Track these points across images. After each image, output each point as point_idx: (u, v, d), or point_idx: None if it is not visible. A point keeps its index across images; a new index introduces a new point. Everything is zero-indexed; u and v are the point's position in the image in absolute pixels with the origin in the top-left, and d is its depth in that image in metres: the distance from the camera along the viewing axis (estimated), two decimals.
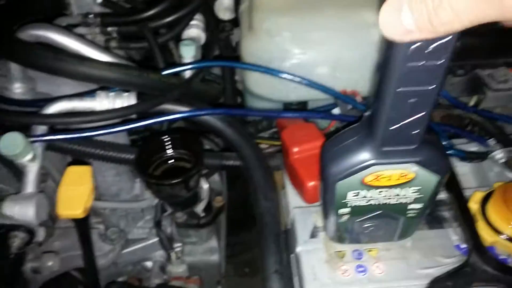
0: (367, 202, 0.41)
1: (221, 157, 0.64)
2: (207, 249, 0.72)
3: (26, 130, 0.57)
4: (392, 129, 0.34)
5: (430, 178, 0.39)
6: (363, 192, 0.40)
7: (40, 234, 0.55)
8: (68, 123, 0.54)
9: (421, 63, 0.29)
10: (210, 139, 0.74)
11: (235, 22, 0.87)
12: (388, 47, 0.29)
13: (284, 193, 0.60)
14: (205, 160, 0.63)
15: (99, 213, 0.73)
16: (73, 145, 0.58)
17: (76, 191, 0.52)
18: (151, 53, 0.68)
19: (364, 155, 0.36)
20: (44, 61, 0.54)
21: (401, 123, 0.34)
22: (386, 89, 0.31)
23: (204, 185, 0.63)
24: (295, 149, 0.58)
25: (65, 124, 0.55)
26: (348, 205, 0.41)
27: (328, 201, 0.41)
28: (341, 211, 0.42)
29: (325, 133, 0.65)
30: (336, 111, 0.63)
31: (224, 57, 0.77)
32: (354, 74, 0.64)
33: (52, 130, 0.58)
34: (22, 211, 0.52)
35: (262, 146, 0.71)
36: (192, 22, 0.75)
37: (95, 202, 0.71)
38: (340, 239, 0.47)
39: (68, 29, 0.61)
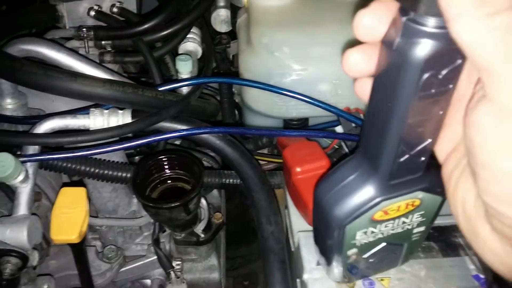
0: (374, 237, 0.36)
1: (220, 176, 0.58)
2: (207, 267, 0.66)
3: (16, 149, 0.51)
4: (399, 162, 0.29)
5: (434, 201, 0.34)
6: (371, 229, 0.35)
7: (34, 257, 0.49)
8: (60, 144, 0.48)
9: (433, 91, 0.24)
10: (208, 154, 0.67)
11: (232, 35, 0.81)
12: (396, 80, 0.24)
13: (287, 214, 0.54)
14: (204, 178, 0.57)
15: (96, 229, 0.67)
16: (67, 164, 0.52)
17: (70, 215, 0.46)
18: (147, 67, 0.62)
19: (372, 193, 0.31)
20: (35, 78, 0.48)
21: (409, 154, 0.29)
22: (393, 124, 0.26)
23: (204, 205, 0.57)
24: (298, 169, 0.53)
25: (57, 145, 0.48)
26: (357, 245, 0.36)
27: (334, 245, 0.35)
28: (350, 252, 0.36)
29: (327, 152, 0.59)
30: (339, 129, 0.58)
31: (223, 73, 0.71)
32: None
33: (45, 149, 0.51)
34: (14, 235, 0.46)
35: (261, 162, 0.66)
36: (189, 36, 0.69)
37: (92, 219, 0.65)
38: (348, 279, 0.42)
39: (60, 44, 0.55)
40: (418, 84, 0.23)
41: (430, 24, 0.21)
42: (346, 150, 0.59)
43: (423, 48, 0.22)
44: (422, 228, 0.38)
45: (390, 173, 0.30)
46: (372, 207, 0.32)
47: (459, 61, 0.23)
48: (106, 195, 0.64)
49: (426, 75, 0.23)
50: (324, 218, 0.33)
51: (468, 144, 0.22)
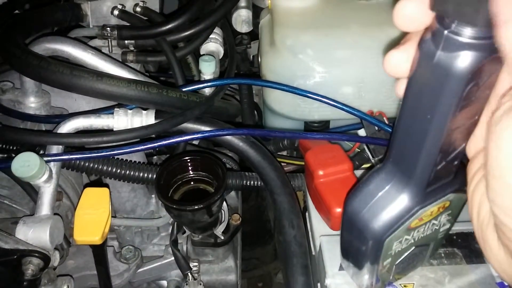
0: (407, 244, 0.35)
1: (241, 178, 0.58)
2: (223, 269, 0.66)
3: (39, 148, 0.51)
4: (436, 170, 0.28)
5: (462, 198, 0.34)
6: (406, 236, 0.34)
7: (56, 258, 0.49)
8: (85, 144, 0.48)
9: (473, 99, 0.23)
10: (226, 155, 0.67)
11: (252, 35, 0.81)
12: (437, 92, 0.23)
13: (308, 217, 0.54)
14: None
15: (113, 229, 0.67)
16: (90, 164, 0.52)
17: (93, 216, 0.46)
18: (169, 68, 0.62)
19: (409, 204, 0.30)
20: (61, 77, 0.48)
21: (446, 161, 0.28)
22: (433, 136, 0.25)
23: (225, 207, 0.57)
24: (321, 172, 0.52)
25: (82, 145, 0.48)
26: (392, 254, 0.35)
27: (371, 258, 0.34)
28: (385, 262, 0.35)
29: (349, 155, 0.59)
30: (361, 132, 0.57)
31: (243, 74, 0.70)
32: (380, 94, 0.58)
33: (67, 148, 0.52)
34: (37, 235, 0.46)
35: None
36: (211, 36, 0.69)
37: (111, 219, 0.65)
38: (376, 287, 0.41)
39: (85, 43, 0.55)
40: (461, 96, 0.23)
41: (473, 35, 0.21)
42: (369, 153, 0.58)
43: (467, 61, 0.21)
44: (448, 226, 0.37)
45: (427, 182, 0.29)
46: (410, 217, 0.31)
47: (500, 66, 0.22)
48: (125, 195, 0.65)
49: (469, 87, 0.22)
50: (361, 234, 0.32)
51: (486, 151, 0.22)
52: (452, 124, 0.25)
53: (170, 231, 0.64)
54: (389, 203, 0.31)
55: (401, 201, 0.30)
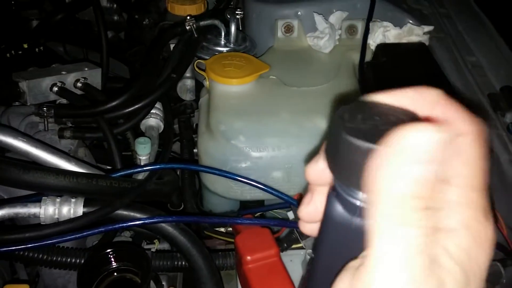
0: None
1: (172, 259, 0.59)
2: None
3: None
4: None
5: None
6: None
7: None
8: (6, 241, 0.47)
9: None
10: None
11: (196, 103, 0.84)
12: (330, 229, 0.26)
13: None
14: (156, 262, 0.58)
15: None
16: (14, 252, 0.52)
17: None
18: (107, 148, 0.63)
19: None
20: None
21: None
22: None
23: None
24: (249, 258, 0.54)
25: (3, 242, 0.48)
26: None
27: None
28: None
29: (279, 236, 0.61)
30: (290, 215, 0.60)
31: (181, 159, 0.73)
32: None
33: None
34: None
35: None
36: (151, 111, 0.71)
37: None
38: None
39: (16, 130, 0.56)
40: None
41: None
42: (297, 234, 0.61)
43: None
44: None
45: None
46: None
47: None
48: (56, 271, 0.63)
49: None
50: None
51: None
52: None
53: None
54: None
55: None
